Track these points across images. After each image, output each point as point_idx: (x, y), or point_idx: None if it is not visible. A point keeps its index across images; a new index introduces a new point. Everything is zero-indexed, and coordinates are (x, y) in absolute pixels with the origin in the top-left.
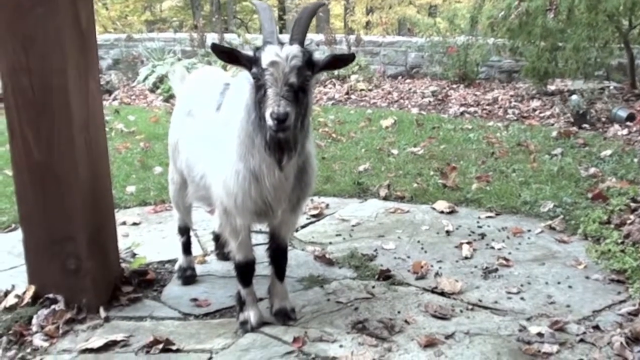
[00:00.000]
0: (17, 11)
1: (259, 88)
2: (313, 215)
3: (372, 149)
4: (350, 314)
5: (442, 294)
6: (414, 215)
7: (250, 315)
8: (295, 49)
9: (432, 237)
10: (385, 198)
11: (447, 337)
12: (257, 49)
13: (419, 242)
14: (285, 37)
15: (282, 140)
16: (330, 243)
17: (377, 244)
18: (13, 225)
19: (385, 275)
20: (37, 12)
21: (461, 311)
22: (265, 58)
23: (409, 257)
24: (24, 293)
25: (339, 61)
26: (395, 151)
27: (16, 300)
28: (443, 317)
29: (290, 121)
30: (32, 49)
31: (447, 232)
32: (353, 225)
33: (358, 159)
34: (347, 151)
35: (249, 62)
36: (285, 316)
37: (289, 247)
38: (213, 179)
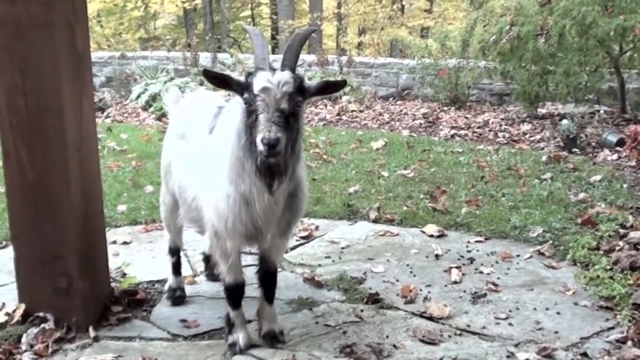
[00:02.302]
0: (15, 33)
1: (250, 113)
2: (303, 237)
3: (362, 170)
4: (338, 338)
5: (431, 318)
6: (404, 239)
7: (239, 337)
8: (286, 75)
9: (421, 261)
10: (375, 220)
11: None
12: (249, 75)
13: (408, 265)
14: (278, 58)
15: (273, 165)
16: (320, 265)
17: (367, 267)
18: (4, 243)
19: (374, 299)
20: (35, 34)
21: (449, 336)
22: (257, 84)
23: (398, 280)
24: (14, 311)
25: (331, 87)
26: (385, 173)
27: (6, 318)
28: (431, 342)
29: (281, 146)
30: (28, 70)
31: (437, 256)
32: (342, 248)
33: (348, 181)
34: (337, 172)
35: (241, 88)
36: (273, 338)
37: (278, 269)
38: (204, 201)
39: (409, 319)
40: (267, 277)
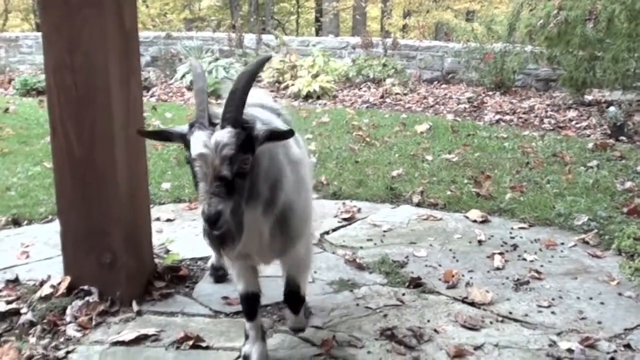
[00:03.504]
0: (65, 12)
1: (193, 174)
2: (345, 219)
3: (406, 154)
4: (379, 320)
5: (473, 304)
6: (447, 223)
7: (252, 352)
8: (225, 135)
9: (464, 246)
10: (418, 204)
11: (476, 348)
12: (191, 126)
13: (450, 250)
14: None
15: (221, 235)
16: (361, 248)
17: (409, 251)
18: (50, 217)
19: (416, 283)
20: (84, 13)
21: (491, 323)
22: (193, 148)
23: (440, 265)
24: (59, 284)
25: (279, 136)
26: (429, 157)
27: (51, 290)
28: (472, 328)
29: (225, 218)
30: (77, 48)
31: (479, 241)
32: (385, 231)
33: (391, 164)
34: (380, 155)
35: (184, 142)
36: (298, 331)
37: (319, 250)
38: None
39: (450, 304)
40: (289, 297)
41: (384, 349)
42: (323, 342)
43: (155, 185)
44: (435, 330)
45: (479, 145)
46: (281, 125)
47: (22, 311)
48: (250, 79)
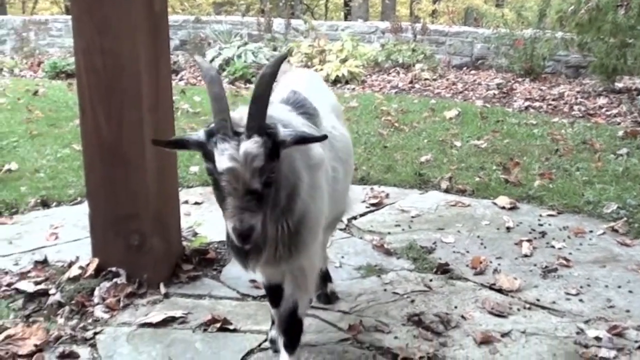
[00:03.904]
0: None
1: (216, 186)
2: (373, 204)
3: (434, 139)
4: (406, 306)
5: (500, 291)
6: (475, 210)
7: (279, 337)
8: (254, 145)
9: (492, 233)
10: (447, 190)
11: (503, 335)
12: (210, 135)
13: (478, 237)
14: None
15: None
16: (389, 233)
17: (437, 237)
18: (79, 199)
19: (444, 269)
20: None
21: (518, 310)
22: (220, 162)
23: (468, 251)
24: (88, 265)
25: (309, 141)
26: (458, 143)
27: (80, 271)
28: (500, 315)
29: (258, 232)
30: (107, 30)
31: (508, 228)
32: (413, 217)
33: (420, 150)
34: (409, 141)
35: (201, 150)
36: None
37: (346, 235)
38: None
39: (478, 290)
40: (286, 317)
41: (411, 335)
42: (350, 326)
43: (184, 169)
44: (463, 317)
45: (508, 131)
46: (303, 128)
47: (50, 292)
48: (270, 81)
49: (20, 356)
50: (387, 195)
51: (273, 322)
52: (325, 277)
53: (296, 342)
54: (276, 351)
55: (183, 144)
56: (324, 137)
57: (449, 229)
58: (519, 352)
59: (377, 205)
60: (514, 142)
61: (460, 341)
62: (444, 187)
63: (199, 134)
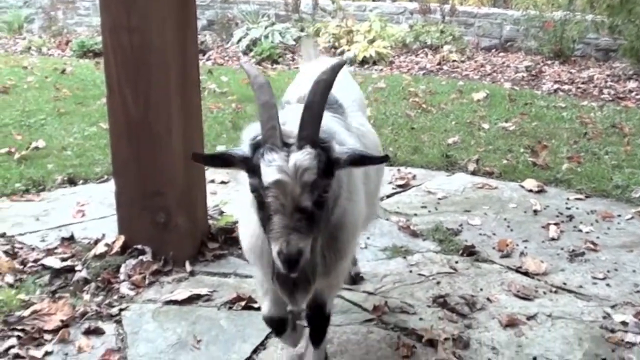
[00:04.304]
0: None
1: (261, 205)
2: (399, 186)
3: (462, 121)
4: (431, 288)
5: (526, 274)
6: (502, 192)
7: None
8: (306, 157)
9: (519, 216)
10: (474, 173)
11: (529, 318)
12: (256, 147)
13: (505, 219)
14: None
15: (296, 278)
16: (415, 214)
17: (463, 219)
18: (105, 177)
19: (470, 251)
20: None
21: (544, 293)
22: (267, 174)
23: (494, 234)
24: (114, 242)
25: (368, 161)
26: (486, 125)
27: (105, 248)
28: (526, 298)
29: (306, 257)
30: (134, 8)
31: (535, 211)
32: (439, 198)
33: (447, 131)
34: (436, 122)
35: (247, 166)
36: None
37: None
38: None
39: (504, 273)
40: (315, 314)
41: (436, 316)
42: (375, 307)
43: (211, 148)
44: (488, 299)
45: (537, 114)
46: (346, 136)
47: (76, 268)
48: (326, 89)
49: (46, 331)
50: (414, 177)
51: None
52: (355, 280)
53: (323, 335)
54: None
55: (227, 159)
56: (385, 158)
57: (476, 211)
58: (545, 336)
59: (404, 187)
60: (542, 125)
61: (485, 323)
62: (471, 169)
63: (244, 149)
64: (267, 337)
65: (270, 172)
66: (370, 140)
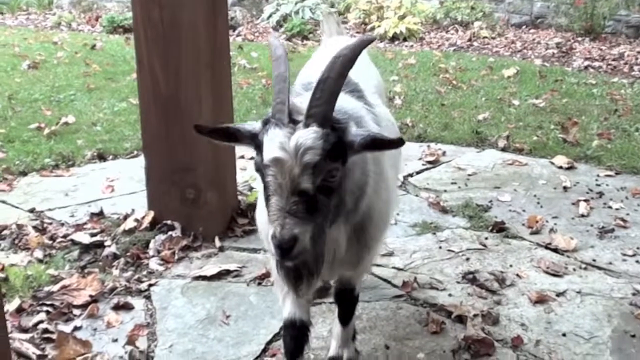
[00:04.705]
0: None
1: (265, 185)
2: (429, 162)
3: (492, 98)
4: (461, 264)
5: (556, 250)
6: (532, 169)
7: None
8: (310, 135)
9: (548, 192)
10: (504, 149)
11: (559, 294)
12: (266, 123)
13: (535, 196)
14: None
15: (295, 267)
16: (445, 191)
17: (493, 195)
18: (135, 152)
19: (499, 228)
20: None
21: (574, 269)
22: (267, 151)
23: (524, 210)
24: (143, 218)
25: (382, 144)
26: (516, 102)
27: (135, 224)
28: (555, 274)
29: (303, 245)
30: None
31: (565, 188)
32: (469, 175)
33: (477, 108)
34: (466, 99)
35: (254, 142)
36: None
37: (402, 192)
38: None
39: (533, 249)
40: (343, 296)
41: (465, 292)
42: (404, 283)
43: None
44: (518, 275)
45: (567, 91)
46: (373, 125)
47: (106, 244)
48: (347, 65)
49: (75, 306)
50: (443, 153)
51: None
52: None
53: (351, 315)
54: None
55: (233, 133)
56: (401, 142)
57: (506, 188)
58: (574, 312)
59: (434, 163)
60: (572, 102)
61: (514, 300)
62: (501, 145)
63: (255, 124)
64: None
65: (270, 148)
66: (386, 123)
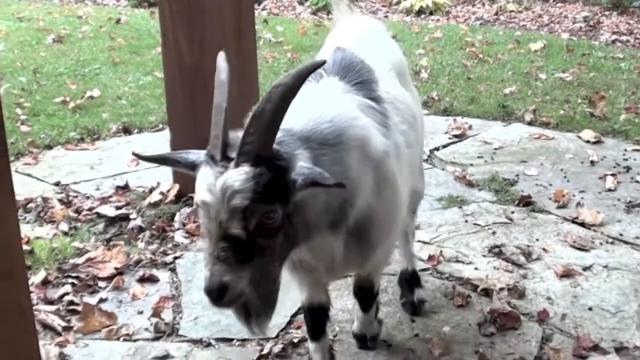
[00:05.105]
0: None
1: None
2: (455, 135)
3: (519, 72)
4: (487, 237)
5: (583, 224)
6: (559, 143)
7: None
8: (239, 177)
9: (575, 166)
10: (530, 123)
11: (585, 269)
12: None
13: (562, 170)
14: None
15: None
16: (471, 165)
17: (519, 169)
18: (160, 126)
19: (526, 202)
20: None
21: (601, 244)
22: (196, 191)
23: (550, 184)
24: (168, 191)
25: (322, 185)
26: (543, 76)
27: (160, 197)
28: (582, 249)
29: (237, 292)
30: None
31: (592, 162)
32: (495, 149)
33: (504, 82)
34: (493, 73)
35: (193, 174)
36: (361, 340)
37: (428, 166)
38: None
39: (560, 223)
40: (362, 293)
41: (492, 266)
42: (430, 257)
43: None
44: (544, 249)
45: (594, 65)
46: (369, 130)
47: (131, 217)
48: (287, 95)
49: (100, 278)
50: (470, 127)
51: None
52: (412, 281)
53: (371, 304)
54: None
55: (173, 162)
56: (340, 186)
57: (532, 162)
58: (600, 287)
59: (460, 137)
60: (600, 76)
61: (541, 273)
62: (527, 119)
63: (200, 153)
64: None
65: (198, 189)
66: (403, 103)
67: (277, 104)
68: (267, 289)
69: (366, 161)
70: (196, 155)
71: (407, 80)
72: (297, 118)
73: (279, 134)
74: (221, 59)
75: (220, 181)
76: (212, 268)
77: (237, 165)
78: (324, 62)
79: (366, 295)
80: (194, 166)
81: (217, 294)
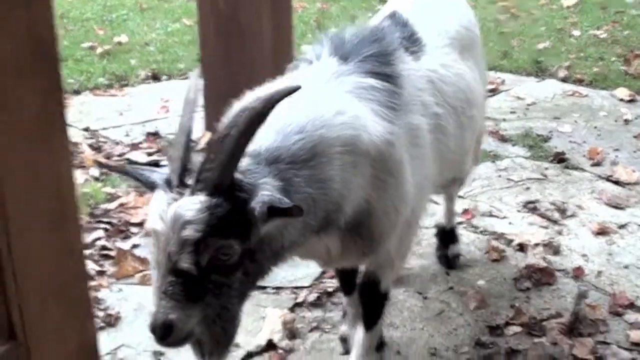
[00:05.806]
0: None
1: None
2: (488, 90)
3: (552, 27)
4: (521, 193)
5: (617, 183)
6: (592, 100)
7: (351, 336)
8: (192, 207)
9: (609, 124)
10: (564, 80)
11: (620, 227)
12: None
13: (595, 127)
14: None
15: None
16: (504, 120)
17: (553, 126)
18: (188, 73)
19: (560, 158)
20: None
21: (636, 202)
22: (149, 215)
23: (584, 142)
24: (200, 138)
25: (285, 212)
26: (576, 32)
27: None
28: (617, 207)
29: (185, 332)
30: None
31: (626, 120)
32: (528, 104)
33: (537, 37)
34: (526, 28)
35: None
36: None
37: None
38: None
39: (594, 181)
40: (366, 291)
41: (526, 222)
42: (464, 210)
43: (295, 48)
44: (579, 206)
45: (629, 23)
46: (382, 131)
47: (161, 163)
48: (254, 121)
49: (132, 224)
50: (502, 82)
51: (344, 314)
52: (448, 238)
53: (376, 318)
54: (346, 352)
55: (135, 177)
56: (298, 212)
57: (566, 119)
58: (636, 245)
59: (493, 92)
60: (634, 34)
61: (575, 230)
62: (561, 75)
63: (162, 172)
64: None
65: (150, 215)
66: (451, 85)
67: (242, 130)
68: (222, 327)
69: (358, 161)
70: (159, 175)
71: (474, 54)
72: (266, 132)
73: (244, 161)
74: (193, 77)
75: (172, 209)
76: (158, 303)
77: (192, 193)
78: (298, 88)
79: (371, 295)
80: (153, 187)
81: (162, 333)
